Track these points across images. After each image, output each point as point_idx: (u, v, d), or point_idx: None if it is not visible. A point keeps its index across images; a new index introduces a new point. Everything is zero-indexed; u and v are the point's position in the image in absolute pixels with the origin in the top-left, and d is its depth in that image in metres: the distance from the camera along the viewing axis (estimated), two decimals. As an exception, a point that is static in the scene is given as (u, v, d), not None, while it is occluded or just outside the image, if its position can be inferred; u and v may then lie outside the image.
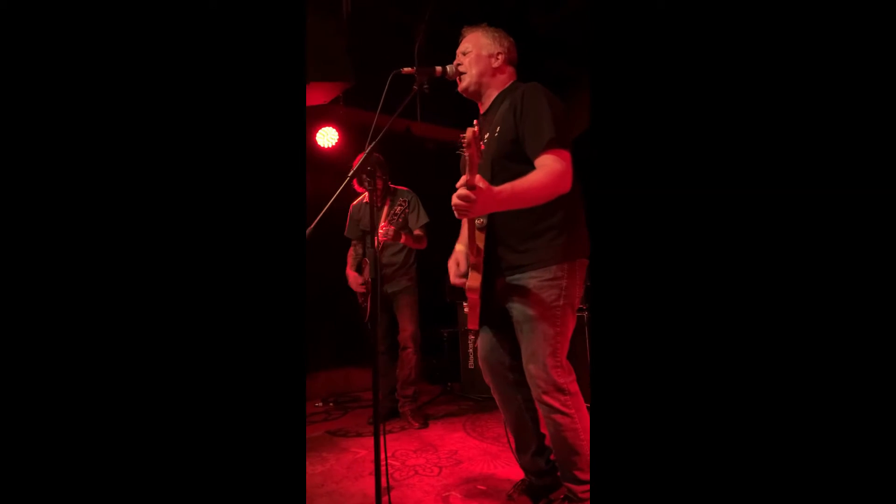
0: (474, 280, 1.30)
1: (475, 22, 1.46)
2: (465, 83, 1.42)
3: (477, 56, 1.41)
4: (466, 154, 1.01)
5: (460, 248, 1.48)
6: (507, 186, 1.16)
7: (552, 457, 1.46)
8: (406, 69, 1.32)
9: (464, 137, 0.98)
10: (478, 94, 1.44)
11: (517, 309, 1.32)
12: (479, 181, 1.07)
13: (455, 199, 1.08)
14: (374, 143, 1.26)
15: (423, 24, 2.91)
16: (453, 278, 1.43)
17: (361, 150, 1.42)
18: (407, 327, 2.53)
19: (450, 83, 1.44)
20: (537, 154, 1.23)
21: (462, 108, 1.58)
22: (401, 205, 2.27)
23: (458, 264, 1.42)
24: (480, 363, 1.53)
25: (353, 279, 2.54)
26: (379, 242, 2.38)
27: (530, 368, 1.32)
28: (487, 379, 1.50)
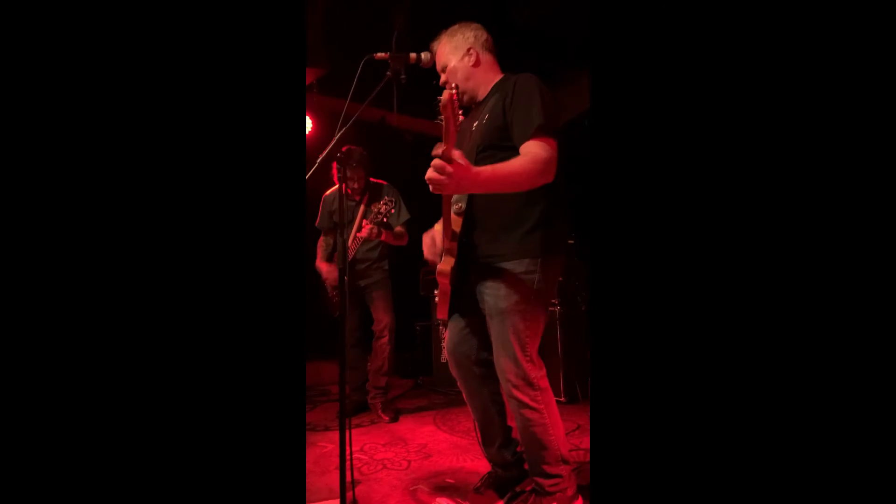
0: (446, 264, 1.27)
1: (455, 10, 1.42)
2: (461, 97, 1.37)
3: (452, 68, 1.38)
4: (442, 118, 0.94)
5: (439, 227, 1.43)
6: (487, 168, 1.12)
7: (519, 448, 1.46)
8: (379, 54, 1.29)
9: (440, 99, 0.92)
10: (475, 97, 1.40)
11: (488, 301, 1.31)
12: (458, 156, 1.01)
13: (429, 172, 1.01)
14: (342, 130, 1.22)
15: (402, 10, 2.86)
16: (427, 253, 1.39)
17: (344, 139, 1.37)
18: (382, 318, 2.50)
19: (428, 72, 1.41)
20: (524, 140, 1.20)
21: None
22: (386, 203, 2.23)
23: (433, 240, 1.38)
24: (447, 355, 1.51)
25: (327, 271, 2.50)
26: (356, 238, 2.35)
27: (500, 362, 1.31)
28: (454, 372, 1.49)
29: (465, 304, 1.38)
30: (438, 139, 0.97)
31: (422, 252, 1.48)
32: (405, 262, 2.87)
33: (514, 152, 1.21)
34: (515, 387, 1.30)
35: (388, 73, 1.28)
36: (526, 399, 1.30)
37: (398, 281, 2.67)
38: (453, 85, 0.96)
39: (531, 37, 2.89)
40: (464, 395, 1.50)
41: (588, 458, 1.73)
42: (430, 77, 1.42)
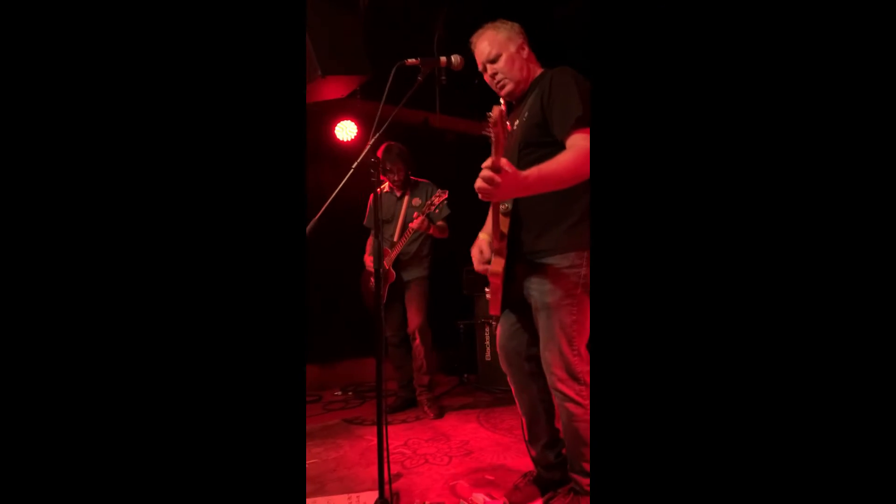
0: (497, 265, 1.29)
1: (493, 15, 1.41)
2: (509, 88, 1.35)
3: (509, 56, 1.34)
4: (492, 133, 0.97)
5: (484, 236, 1.45)
6: (533, 170, 1.12)
7: (563, 451, 1.45)
8: (410, 60, 1.32)
9: (490, 116, 0.95)
10: (524, 88, 1.38)
11: (535, 296, 1.32)
12: (506, 164, 1.03)
13: (478, 182, 1.04)
14: (378, 134, 1.27)
15: (441, 15, 2.90)
16: (477, 265, 1.41)
17: (379, 142, 1.42)
18: (414, 319, 2.51)
19: (469, 74, 1.42)
20: (566, 133, 1.19)
21: (483, 99, 1.55)
22: (439, 195, 2.28)
23: (481, 251, 1.40)
24: (498, 350, 1.52)
25: (371, 262, 2.58)
26: (400, 234, 2.41)
27: (546, 356, 1.31)
28: (504, 366, 1.50)
29: (515, 300, 1.39)
30: (480, 139, 1.00)
31: (464, 251, 1.50)
32: (448, 261, 2.90)
33: (555, 147, 1.20)
34: (560, 380, 1.29)
35: (420, 77, 1.31)
36: (570, 393, 1.29)
37: (441, 280, 2.70)
38: (501, 101, 0.98)
39: (571, 33, 2.83)
40: (513, 391, 1.50)
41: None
42: (471, 78, 1.42)
